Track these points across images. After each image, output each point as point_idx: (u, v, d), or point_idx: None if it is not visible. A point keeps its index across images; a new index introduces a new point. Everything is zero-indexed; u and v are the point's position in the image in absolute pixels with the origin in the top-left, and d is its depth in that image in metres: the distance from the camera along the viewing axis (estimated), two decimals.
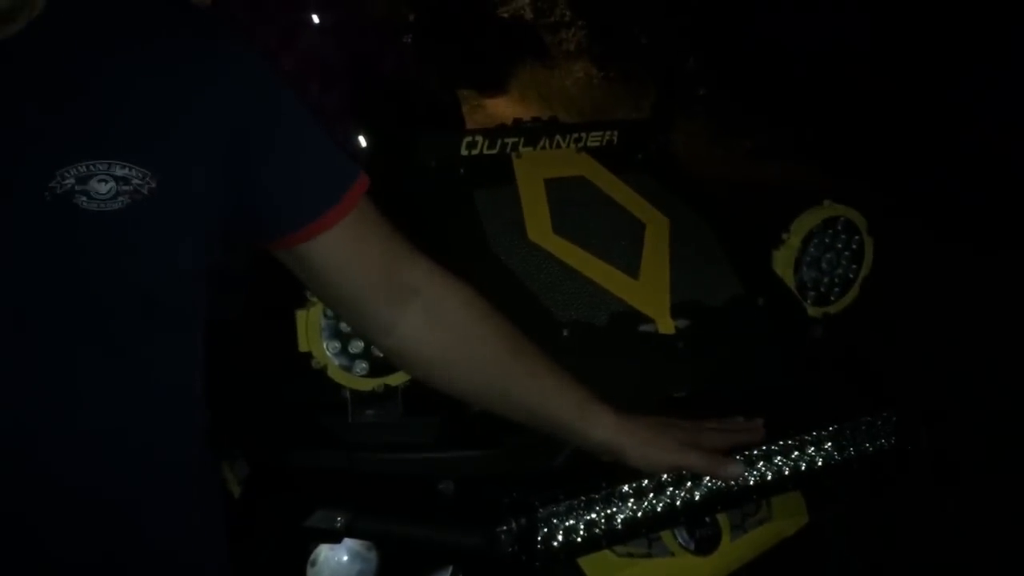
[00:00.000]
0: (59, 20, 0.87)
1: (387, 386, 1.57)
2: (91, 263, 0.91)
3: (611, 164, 2.03)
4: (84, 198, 0.88)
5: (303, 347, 1.54)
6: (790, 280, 1.92)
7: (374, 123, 3.32)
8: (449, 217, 1.87)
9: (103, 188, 0.88)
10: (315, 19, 3.21)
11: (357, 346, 1.55)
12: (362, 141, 3.41)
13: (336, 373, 1.56)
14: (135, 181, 0.90)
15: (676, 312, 1.73)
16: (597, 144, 2.04)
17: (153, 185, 0.91)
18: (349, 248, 1.10)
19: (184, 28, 0.97)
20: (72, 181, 0.87)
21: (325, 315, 1.52)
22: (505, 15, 16.10)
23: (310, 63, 3.19)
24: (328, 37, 3.24)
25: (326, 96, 3.24)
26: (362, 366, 1.56)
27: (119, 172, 0.89)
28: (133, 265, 0.94)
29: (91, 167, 0.88)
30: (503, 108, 15.52)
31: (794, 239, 1.91)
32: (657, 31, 12.21)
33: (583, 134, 2.03)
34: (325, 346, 1.54)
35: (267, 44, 3.12)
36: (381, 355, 1.49)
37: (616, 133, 2.06)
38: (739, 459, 1.36)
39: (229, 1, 3.46)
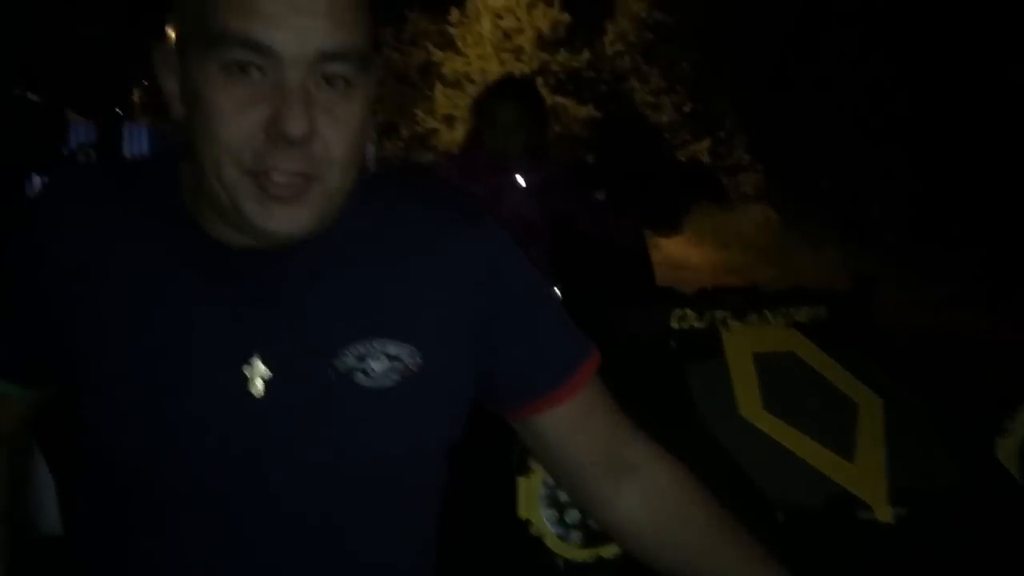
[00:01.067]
0: (335, 227, 0.98)
1: (600, 557, 1.61)
2: (365, 435, 1.02)
3: (820, 340, 2.03)
4: (362, 375, 0.95)
5: (522, 514, 1.61)
6: (1015, 470, 1.85)
7: (572, 278, 3.46)
8: (660, 389, 1.92)
9: (378, 366, 0.96)
10: (520, 181, 3.42)
11: (573, 516, 1.61)
12: (557, 292, 3.55)
13: (553, 542, 1.61)
14: (405, 359, 0.96)
15: (895, 499, 1.70)
16: (805, 320, 2.06)
17: (420, 361, 0.97)
18: (577, 422, 1.16)
19: (440, 214, 1.04)
20: (352, 359, 0.95)
21: (544, 484, 1.59)
22: (682, 158, 16.46)
23: (514, 221, 3.39)
24: (531, 197, 3.44)
25: (528, 252, 3.40)
26: (577, 536, 1.61)
27: (392, 350, 0.96)
28: (400, 437, 1.04)
29: (369, 346, 0.96)
30: (679, 248, 15.62)
31: (1020, 428, 1.84)
32: (840, 175, 12.09)
33: (791, 309, 2.06)
34: (543, 515, 1.60)
35: None
36: (596, 526, 1.54)
37: (825, 309, 2.07)
38: None
39: (443, 166, 3.77)
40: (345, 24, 0.85)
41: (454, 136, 20.14)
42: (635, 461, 1.21)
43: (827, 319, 2.09)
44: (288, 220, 0.87)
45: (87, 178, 1.01)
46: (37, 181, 4.23)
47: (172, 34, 0.92)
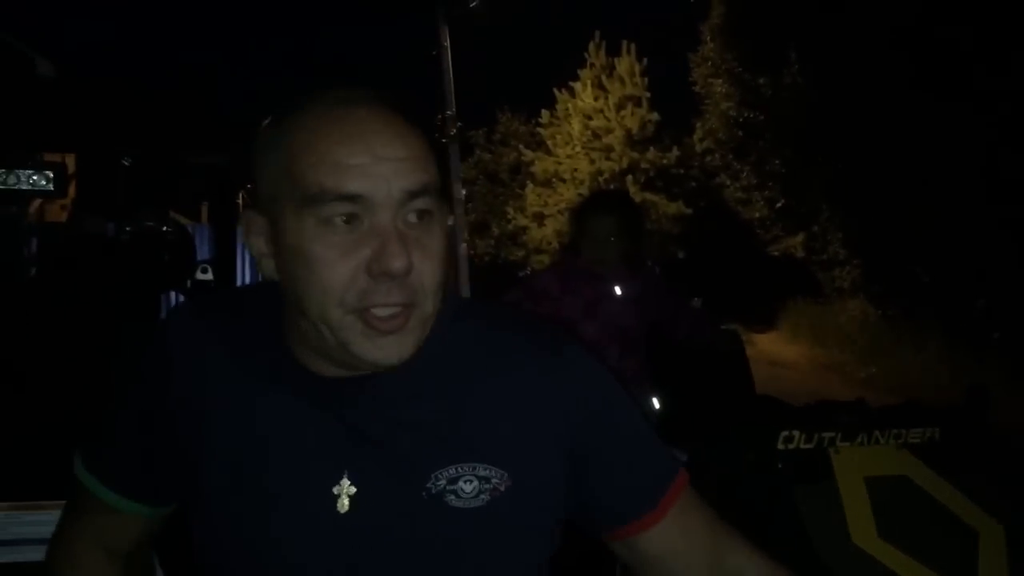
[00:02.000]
0: (425, 354, 1.03)
1: None
2: (457, 555, 1.05)
3: (934, 461, 1.98)
4: (453, 496, 1.01)
5: None
6: None
7: (671, 387, 3.45)
8: (769, 512, 1.90)
9: (468, 487, 1.02)
10: (617, 291, 3.47)
11: None
12: (655, 402, 3.54)
13: None
14: (495, 480, 1.03)
15: None
16: (918, 441, 2.02)
17: (510, 483, 1.04)
18: (675, 538, 1.17)
19: (527, 340, 1.10)
20: (444, 482, 1.02)
21: None
22: (775, 253, 16.28)
23: (611, 331, 3.42)
24: (628, 306, 3.47)
25: (625, 361, 3.43)
26: None
27: (482, 473, 1.03)
28: (491, 555, 1.07)
29: (459, 469, 1.02)
30: (773, 345, 15.36)
31: None
32: (941, 269, 11.78)
33: (903, 431, 2.02)
34: None
35: (573, 314, 3.40)
36: None
37: (938, 430, 2.03)
38: None
39: (540, 276, 3.85)
40: (421, 164, 0.95)
41: (544, 233, 20.42)
42: (741, 569, 1.21)
43: (940, 439, 2.04)
44: (395, 349, 0.95)
45: (203, 310, 1.11)
46: (169, 300, 4.50)
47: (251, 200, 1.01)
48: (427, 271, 0.95)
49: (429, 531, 1.01)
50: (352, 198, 0.91)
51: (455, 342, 1.05)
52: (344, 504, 1.00)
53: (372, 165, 0.91)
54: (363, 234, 0.92)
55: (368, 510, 1.00)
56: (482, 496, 1.02)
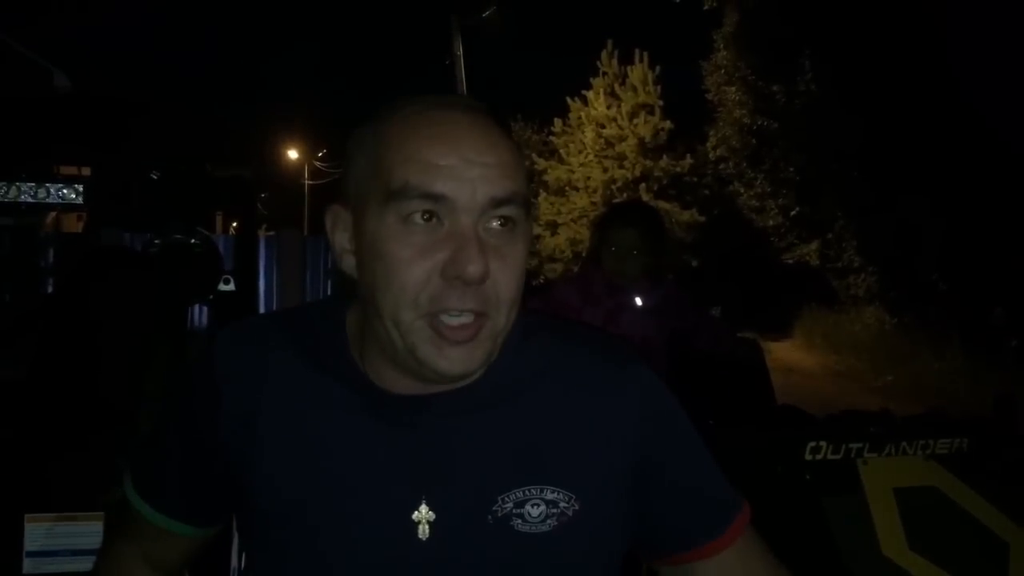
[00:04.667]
0: (495, 372, 1.02)
1: None
2: None
3: (963, 474, 1.98)
4: (519, 521, 0.99)
5: None
6: None
7: (691, 398, 3.44)
8: (797, 524, 1.89)
9: (535, 511, 1.00)
10: (637, 302, 3.47)
11: None
12: None
13: None
14: (562, 504, 1.01)
15: None
16: (946, 451, 2.01)
17: (577, 508, 1.02)
18: (729, 569, 1.17)
19: (597, 359, 1.08)
20: (511, 506, 1.00)
21: None
22: (790, 261, 16.24)
23: (632, 341, 3.42)
24: (648, 317, 3.47)
25: None
26: None
27: (549, 496, 1.01)
28: None
29: (527, 492, 1.00)
30: (788, 353, 15.29)
31: None
32: (957, 276, 11.73)
33: (931, 441, 2.01)
34: None
35: (593, 324, 3.40)
36: None
37: (966, 441, 2.02)
38: None
39: (560, 286, 3.86)
40: (509, 173, 0.94)
41: (557, 242, 20.42)
42: None
43: (969, 450, 2.04)
44: (461, 360, 0.93)
45: (252, 332, 1.09)
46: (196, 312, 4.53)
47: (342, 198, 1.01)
48: (503, 281, 0.93)
49: (495, 557, 1.00)
50: (436, 197, 0.90)
51: (524, 359, 1.04)
52: (425, 531, 0.98)
53: (460, 167, 0.91)
54: (442, 236, 0.91)
55: (444, 537, 0.98)
56: (549, 521, 1.01)
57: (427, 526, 0.98)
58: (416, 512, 0.98)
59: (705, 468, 1.15)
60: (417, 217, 0.91)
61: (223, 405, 1.03)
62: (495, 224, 0.93)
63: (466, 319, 0.92)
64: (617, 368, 1.07)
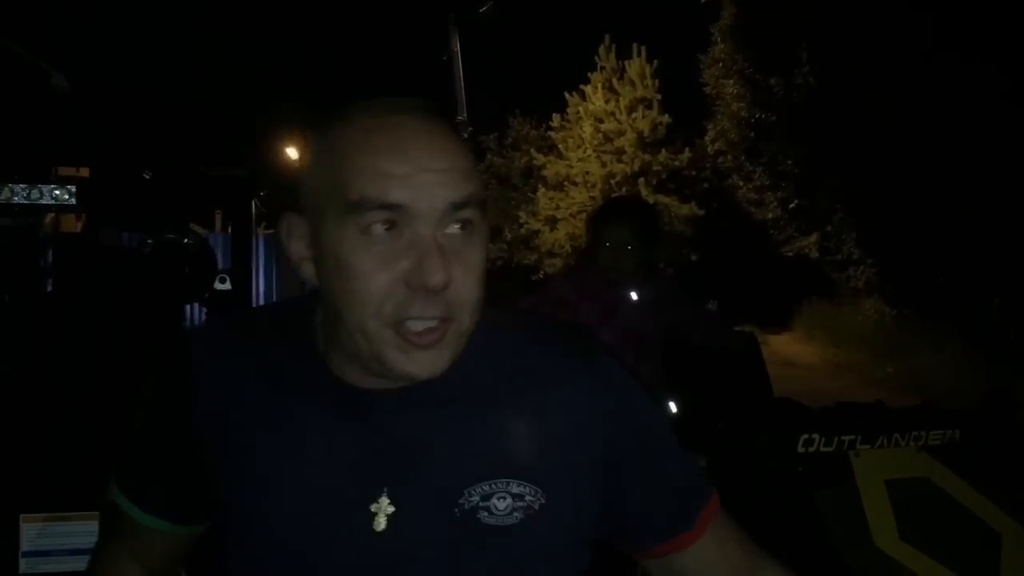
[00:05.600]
0: (461, 367, 1.01)
1: None
2: (487, 571, 1.06)
3: (955, 464, 1.99)
4: (486, 513, 1.01)
5: None
6: None
7: (687, 391, 3.45)
8: (789, 515, 1.90)
9: (502, 504, 1.01)
10: (633, 296, 3.47)
11: None
12: (672, 407, 3.55)
13: None
14: (528, 498, 1.02)
15: None
16: (938, 443, 2.02)
17: (543, 501, 1.03)
18: (712, 554, 1.18)
19: (562, 352, 1.09)
20: (477, 499, 1.01)
21: None
22: (789, 253, 16.24)
23: (628, 336, 3.43)
24: (645, 311, 3.48)
25: (641, 365, 3.44)
26: None
27: (515, 490, 1.02)
28: (522, 572, 1.07)
29: (493, 485, 1.01)
30: (787, 345, 15.30)
31: None
32: (957, 268, 11.74)
33: (923, 432, 2.02)
34: None
35: (590, 320, 3.41)
36: None
37: (958, 432, 2.03)
38: None
39: (557, 281, 3.86)
40: (464, 176, 0.94)
41: (556, 237, 20.40)
42: None
43: (961, 441, 2.05)
44: (428, 364, 0.94)
45: (225, 328, 1.11)
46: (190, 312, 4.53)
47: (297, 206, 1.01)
48: (466, 285, 0.94)
49: (461, 549, 1.01)
50: (393, 207, 0.90)
51: (490, 354, 1.04)
52: (381, 523, 0.99)
53: (416, 175, 0.91)
54: (403, 246, 0.91)
55: (404, 529, 0.99)
56: (515, 514, 1.02)
57: (384, 518, 0.99)
58: (374, 504, 0.99)
59: (674, 457, 1.15)
60: (377, 228, 0.91)
61: (197, 403, 1.04)
62: (455, 228, 0.94)
63: (432, 323, 0.93)
64: (584, 362, 1.08)
